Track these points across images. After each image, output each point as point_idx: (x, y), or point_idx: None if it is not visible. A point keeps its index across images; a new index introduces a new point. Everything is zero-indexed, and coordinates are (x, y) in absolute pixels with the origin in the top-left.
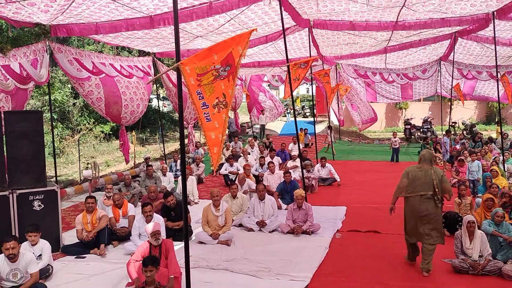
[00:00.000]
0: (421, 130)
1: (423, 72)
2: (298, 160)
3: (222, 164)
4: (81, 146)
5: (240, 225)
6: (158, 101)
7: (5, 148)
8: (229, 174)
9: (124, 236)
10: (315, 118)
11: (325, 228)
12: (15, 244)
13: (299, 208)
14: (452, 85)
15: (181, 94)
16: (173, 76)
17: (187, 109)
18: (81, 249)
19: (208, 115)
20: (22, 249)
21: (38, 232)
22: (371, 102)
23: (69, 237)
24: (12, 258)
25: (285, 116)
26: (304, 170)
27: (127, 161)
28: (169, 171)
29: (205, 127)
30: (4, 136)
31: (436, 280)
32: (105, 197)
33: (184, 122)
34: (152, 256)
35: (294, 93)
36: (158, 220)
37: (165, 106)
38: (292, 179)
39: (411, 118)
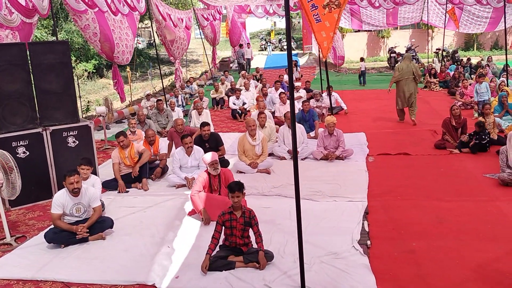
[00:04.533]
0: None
1: None
2: (301, 91)
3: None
4: None
5: (271, 154)
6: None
7: (33, 83)
8: (237, 108)
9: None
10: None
11: (355, 153)
12: (78, 178)
13: (330, 135)
14: (446, 9)
15: None
16: (161, 7)
17: (175, 44)
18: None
19: (317, 16)
20: (84, 184)
21: (91, 166)
22: (357, 30)
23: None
24: (76, 192)
25: (264, 49)
26: (313, 100)
27: (122, 99)
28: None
29: (315, 28)
30: (31, 69)
31: (488, 193)
32: (130, 132)
33: (171, 58)
34: (237, 182)
35: (268, 27)
36: (198, 152)
37: (139, 43)
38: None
39: (395, 46)
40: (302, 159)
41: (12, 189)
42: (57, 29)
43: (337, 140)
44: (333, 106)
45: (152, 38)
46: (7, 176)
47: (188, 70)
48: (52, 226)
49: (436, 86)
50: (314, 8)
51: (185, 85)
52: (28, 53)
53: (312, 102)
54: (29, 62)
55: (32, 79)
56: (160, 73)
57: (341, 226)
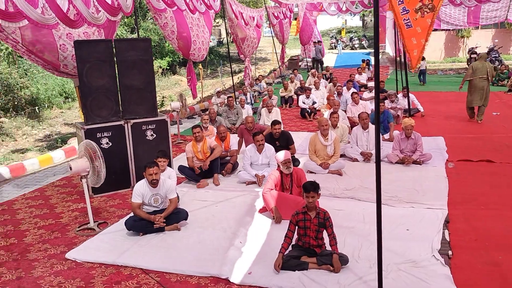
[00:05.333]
0: (488, 59)
1: None
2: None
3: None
4: None
5: (342, 155)
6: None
7: (117, 78)
8: (306, 107)
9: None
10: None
11: (434, 158)
12: (157, 170)
13: (408, 138)
14: None
15: None
16: (234, 6)
17: (246, 42)
18: (193, 176)
19: (408, 20)
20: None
21: (167, 158)
22: (434, 29)
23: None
24: (155, 183)
25: (334, 48)
26: (387, 101)
27: (194, 96)
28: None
29: (405, 34)
30: (116, 65)
31: None
32: (202, 128)
33: (241, 56)
34: (313, 182)
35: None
36: (269, 149)
37: (210, 41)
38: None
39: (476, 47)
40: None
41: (97, 177)
42: (135, 27)
43: (415, 143)
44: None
45: (222, 36)
46: (93, 165)
47: (257, 68)
48: (131, 215)
49: None
50: (405, 12)
51: (254, 83)
52: (114, 49)
53: (387, 103)
54: (114, 58)
55: (116, 74)
56: (231, 70)
57: (420, 233)
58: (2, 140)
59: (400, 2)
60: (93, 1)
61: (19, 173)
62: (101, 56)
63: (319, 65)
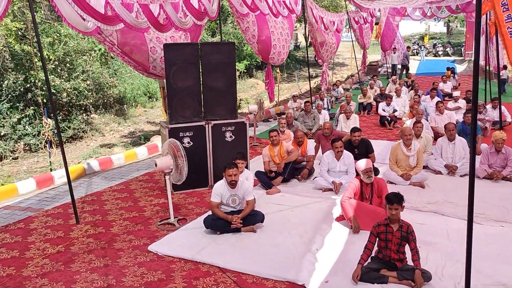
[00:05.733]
0: None
1: None
2: (461, 101)
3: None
4: None
5: (425, 167)
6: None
7: (201, 80)
8: (386, 115)
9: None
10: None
11: None
12: (237, 171)
13: (498, 152)
14: None
15: None
16: (315, 10)
17: (324, 46)
18: (267, 183)
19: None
20: (240, 177)
21: (245, 160)
22: None
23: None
24: (234, 184)
25: (415, 54)
26: None
27: (271, 99)
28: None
29: (508, 43)
30: (200, 67)
31: None
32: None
33: (319, 60)
34: (397, 194)
35: (421, 30)
36: (348, 157)
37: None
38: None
39: None
40: (461, 176)
41: (179, 175)
42: (216, 31)
43: (506, 158)
44: (497, 120)
45: (299, 41)
46: (176, 163)
47: (334, 73)
48: (210, 213)
49: None
50: (510, 20)
51: (331, 88)
52: (199, 52)
53: None
54: (199, 61)
55: (200, 76)
56: (309, 75)
57: (510, 255)
58: (92, 135)
59: (505, 9)
60: (182, 6)
61: (107, 167)
62: (188, 59)
63: (406, 72)
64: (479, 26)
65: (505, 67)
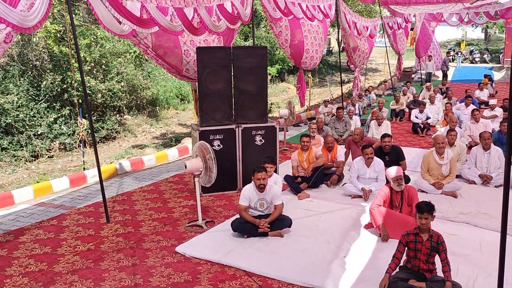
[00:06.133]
0: None
1: None
2: (498, 109)
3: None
4: None
5: (458, 176)
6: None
7: (232, 83)
8: (419, 122)
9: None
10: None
11: None
12: (265, 175)
13: None
14: None
15: None
16: (349, 15)
17: (357, 52)
18: (296, 187)
19: None
20: (269, 182)
21: (274, 164)
22: None
23: None
24: (262, 188)
25: (451, 61)
26: None
27: (302, 104)
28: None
29: None
30: (232, 71)
31: None
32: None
33: (351, 66)
34: (428, 203)
35: (458, 36)
36: (378, 164)
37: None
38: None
39: None
40: (496, 186)
41: (209, 178)
42: (249, 35)
43: None
44: None
45: (331, 45)
46: (206, 165)
47: (367, 79)
48: (237, 216)
49: None
50: None
51: (363, 94)
52: (231, 56)
53: None
54: (231, 64)
55: (232, 80)
56: (341, 80)
57: None
58: (125, 136)
59: None
60: (215, 10)
61: (138, 167)
62: (220, 62)
63: (445, 78)
64: None
65: None
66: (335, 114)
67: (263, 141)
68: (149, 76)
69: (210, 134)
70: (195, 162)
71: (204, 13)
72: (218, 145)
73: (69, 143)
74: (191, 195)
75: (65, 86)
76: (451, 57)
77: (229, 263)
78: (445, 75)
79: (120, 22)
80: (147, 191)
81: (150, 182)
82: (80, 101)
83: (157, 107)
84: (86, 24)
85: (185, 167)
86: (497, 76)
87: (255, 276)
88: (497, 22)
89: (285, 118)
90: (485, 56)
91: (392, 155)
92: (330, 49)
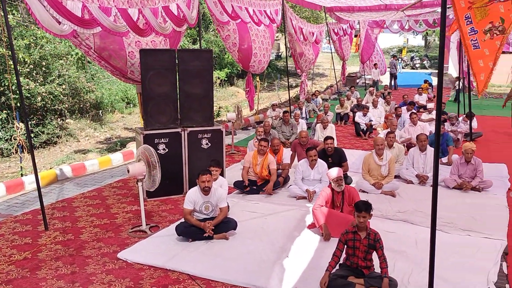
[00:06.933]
0: None
1: None
2: (434, 112)
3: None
4: None
5: (397, 177)
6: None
7: (178, 86)
8: (362, 124)
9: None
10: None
11: (494, 186)
12: (210, 178)
13: (467, 163)
14: None
15: None
16: (295, 21)
17: (303, 57)
18: (250, 187)
19: (476, 42)
20: (214, 185)
21: (220, 167)
22: (502, 53)
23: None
24: (207, 191)
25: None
26: (447, 123)
27: (251, 108)
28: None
29: (471, 55)
30: (177, 74)
31: None
32: (256, 140)
33: (298, 70)
34: (365, 202)
35: (400, 43)
36: (322, 165)
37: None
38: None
39: None
40: (431, 186)
41: (152, 182)
42: (198, 38)
43: (475, 169)
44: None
45: (281, 50)
46: (149, 169)
47: (314, 84)
48: (182, 220)
49: None
50: (473, 33)
51: (311, 98)
52: (176, 58)
53: (447, 126)
54: (177, 67)
55: (177, 82)
56: (288, 84)
57: (475, 263)
58: (67, 140)
59: (468, 22)
60: (161, 12)
61: (80, 173)
62: (164, 65)
63: (395, 80)
64: (443, 38)
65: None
66: (282, 117)
67: (209, 144)
68: (93, 79)
69: (155, 137)
70: (138, 166)
71: (149, 14)
72: (164, 149)
73: (7, 149)
74: (135, 200)
75: (1, 88)
76: (398, 60)
77: (173, 268)
78: (395, 77)
79: (59, 22)
80: (89, 197)
81: (92, 188)
82: (18, 104)
83: (102, 111)
84: (25, 24)
85: (128, 171)
86: (435, 81)
87: (198, 280)
88: (436, 30)
89: (232, 122)
90: (424, 62)
91: (335, 157)
92: (279, 54)
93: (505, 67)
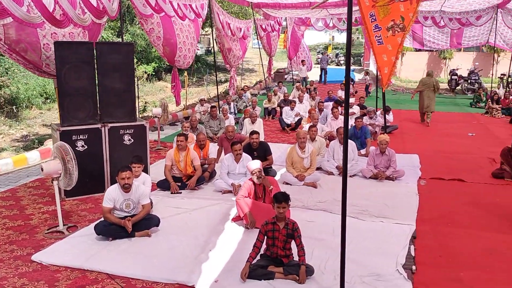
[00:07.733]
0: (469, 81)
1: (477, 19)
2: (355, 107)
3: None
4: None
5: (318, 168)
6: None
7: (96, 81)
8: (286, 119)
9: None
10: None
11: (407, 175)
12: (130, 174)
13: (382, 154)
14: None
15: None
16: (222, 16)
17: (232, 52)
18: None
19: (380, 38)
20: (135, 182)
21: (142, 164)
22: (417, 50)
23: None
24: (127, 188)
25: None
26: (366, 117)
27: (178, 103)
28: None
29: (376, 50)
30: (96, 67)
31: None
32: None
33: (227, 66)
34: (283, 193)
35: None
36: (247, 159)
37: (198, 49)
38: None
39: (458, 69)
40: (350, 176)
41: (69, 180)
42: (123, 31)
43: (389, 159)
44: (387, 125)
45: (211, 45)
46: (65, 167)
47: (243, 79)
48: (102, 219)
49: (498, 113)
50: (377, 30)
51: (242, 93)
52: (95, 52)
53: (365, 119)
54: (95, 60)
55: (96, 77)
56: (216, 79)
57: (386, 248)
58: None
59: (373, 20)
60: (79, 3)
61: None
62: (82, 58)
63: (325, 74)
64: (350, 37)
65: (367, 73)
66: (210, 112)
67: (132, 140)
68: (7, 73)
69: (73, 134)
70: (53, 165)
71: (67, 4)
72: (82, 146)
73: None
74: (52, 200)
75: None
76: (328, 55)
77: (91, 268)
78: (325, 72)
79: None
80: (1, 198)
81: (5, 188)
82: None
83: (17, 107)
84: None
85: (42, 170)
86: (357, 77)
87: (118, 278)
88: (358, 28)
89: (158, 117)
90: None
91: (260, 151)
92: (209, 48)
93: (421, 64)
